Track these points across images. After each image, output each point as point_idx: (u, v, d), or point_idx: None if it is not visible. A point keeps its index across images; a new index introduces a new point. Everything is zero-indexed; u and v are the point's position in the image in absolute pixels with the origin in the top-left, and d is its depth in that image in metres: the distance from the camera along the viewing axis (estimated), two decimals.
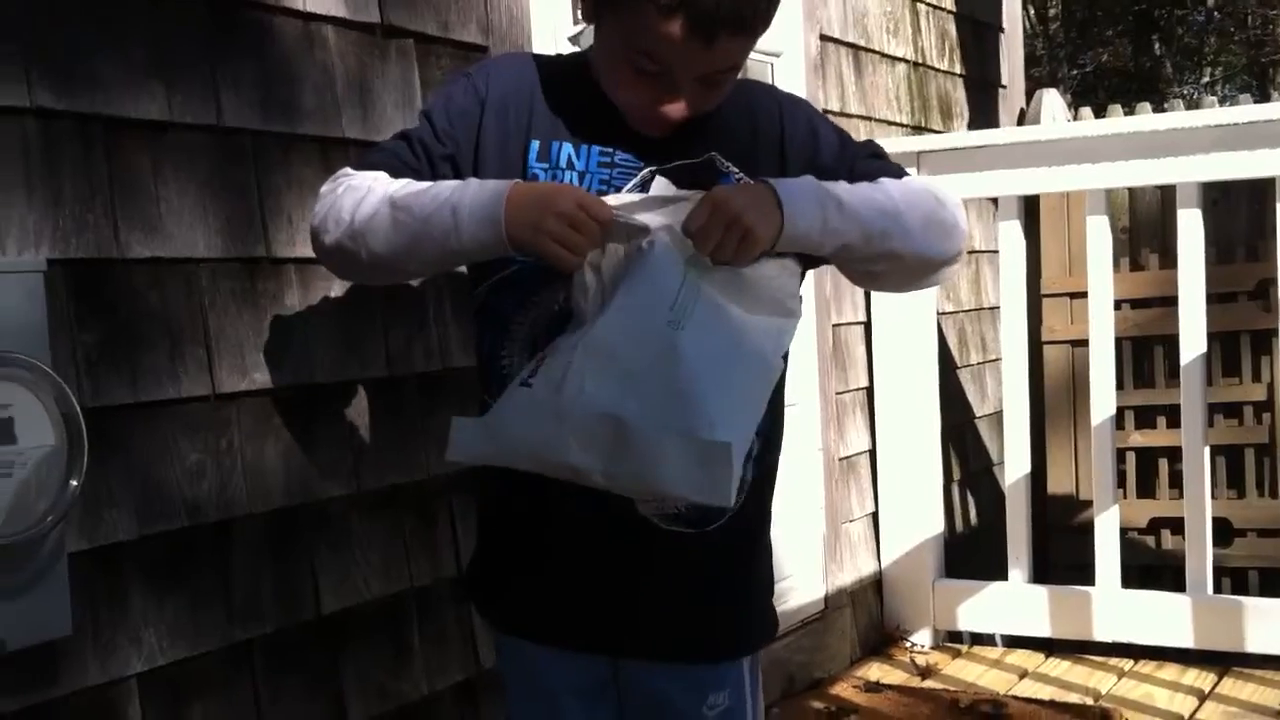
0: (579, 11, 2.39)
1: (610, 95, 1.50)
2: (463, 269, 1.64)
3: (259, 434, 1.78)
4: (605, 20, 1.48)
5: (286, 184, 1.83)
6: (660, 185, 1.49)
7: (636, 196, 1.46)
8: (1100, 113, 4.70)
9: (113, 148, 1.61)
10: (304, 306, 1.85)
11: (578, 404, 1.35)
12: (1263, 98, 17.93)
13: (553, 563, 1.57)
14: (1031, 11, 18.07)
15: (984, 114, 4.27)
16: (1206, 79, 20.64)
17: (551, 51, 2.33)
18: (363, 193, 1.47)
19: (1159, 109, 4.68)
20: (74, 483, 1.44)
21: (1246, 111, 3.03)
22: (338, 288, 1.90)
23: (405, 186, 1.47)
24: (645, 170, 1.52)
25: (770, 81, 3.18)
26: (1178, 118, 3.26)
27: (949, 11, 4.06)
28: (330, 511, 1.88)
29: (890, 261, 1.51)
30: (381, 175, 1.50)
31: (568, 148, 1.52)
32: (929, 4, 3.93)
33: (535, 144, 1.53)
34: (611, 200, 1.44)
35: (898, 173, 1.58)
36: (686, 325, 1.37)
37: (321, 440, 1.87)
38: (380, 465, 1.96)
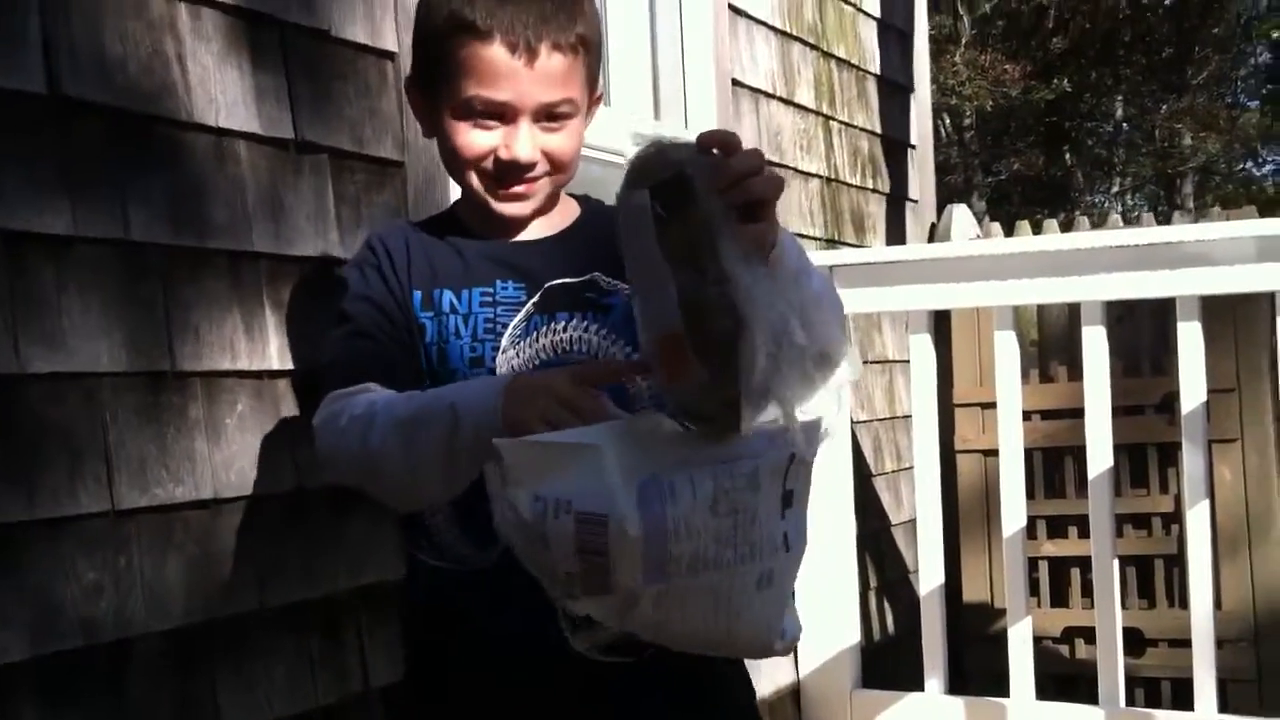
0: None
1: (464, 183, 1.59)
2: None
3: (159, 551, 1.75)
4: (439, 101, 1.56)
5: (195, 298, 1.83)
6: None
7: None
8: (1009, 227, 4.82)
9: (16, 262, 1.60)
10: (209, 420, 1.83)
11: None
12: (1169, 207, 18.55)
13: (493, 703, 1.54)
14: (947, 121, 18.64)
15: (895, 227, 4.37)
16: (1116, 189, 21.30)
17: None
18: (365, 421, 1.42)
19: (1068, 219, 4.81)
20: None
21: (1148, 234, 3.13)
22: (244, 401, 1.89)
23: (408, 402, 1.42)
24: (529, 304, 1.56)
25: None
26: (1083, 238, 3.35)
27: (861, 129, 4.17)
28: (232, 628, 1.84)
29: None
30: (376, 394, 1.46)
31: (448, 294, 1.58)
32: (841, 122, 4.03)
33: (418, 294, 1.58)
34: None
35: None
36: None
37: (224, 556, 1.84)
38: (285, 580, 1.93)
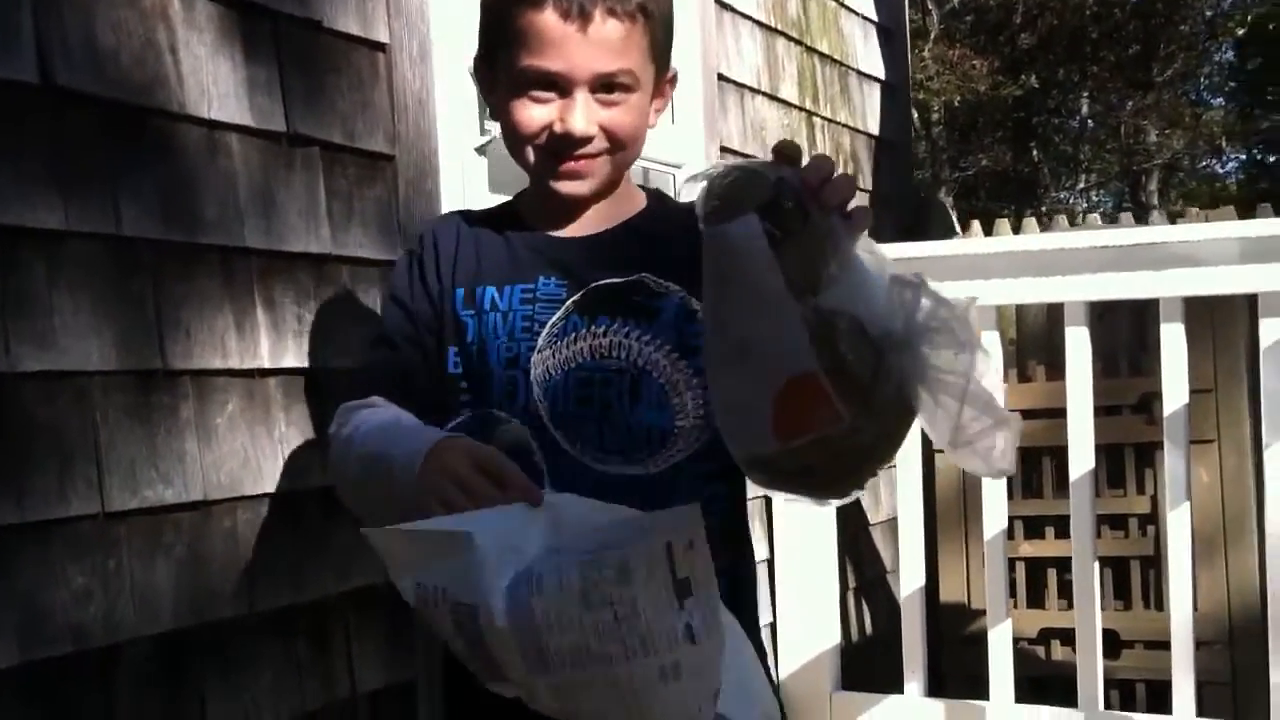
0: (484, 119, 2.41)
1: (522, 161, 1.52)
2: None
3: (149, 554, 1.71)
4: (496, 69, 1.51)
5: (185, 295, 1.79)
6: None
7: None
8: (987, 224, 4.81)
9: (7, 256, 1.56)
10: (200, 420, 1.79)
11: None
12: (1135, 204, 18.66)
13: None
14: (915, 115, 18.65)
15: (875, 224, 4.35)
16: (1081, 185, 21.42)
17: (457, 163, 2.34)
18: (346, 445, 1.48)
19: (1036, 214, 4.83)
20: None
21: (1129, 234, 3.12)
22: (235, 401, 1.85)
23: (378, 436, 1.43)
24: (569, 301, 1.49)
25: (672, 191, 3.21)
26: (1066, 238, 3.34)
27: (843, 125, 4.15)
28: (221, 633, 1.81)
29: None
30: (366, 416, 1.48)
31: (490, 291, 1.53)
32: (824, 118, 4.01)
33: (460, 292, 1.54)
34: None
35: None
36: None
37: (214, 559, 1.80)
38: (274, 584, 1.89)
